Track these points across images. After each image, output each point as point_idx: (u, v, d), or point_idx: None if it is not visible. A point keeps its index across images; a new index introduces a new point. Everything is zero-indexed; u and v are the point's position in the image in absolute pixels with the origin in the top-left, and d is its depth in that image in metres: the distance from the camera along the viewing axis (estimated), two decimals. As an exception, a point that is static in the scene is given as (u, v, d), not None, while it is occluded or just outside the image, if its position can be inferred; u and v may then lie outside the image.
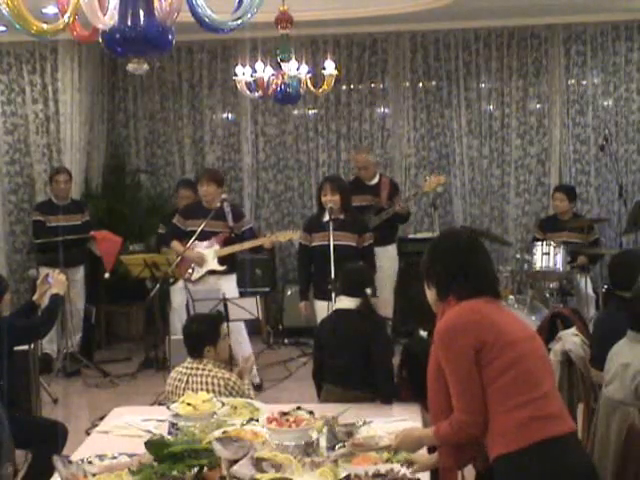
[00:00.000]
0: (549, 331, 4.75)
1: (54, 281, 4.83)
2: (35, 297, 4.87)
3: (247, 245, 7.05)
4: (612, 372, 3.73)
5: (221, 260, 7.02)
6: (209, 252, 7.02)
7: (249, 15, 2.71)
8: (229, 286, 6.99)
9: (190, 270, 7.06)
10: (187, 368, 4.36)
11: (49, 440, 4.49)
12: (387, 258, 7.61)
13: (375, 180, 7.80)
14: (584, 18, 8.61)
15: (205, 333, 4.45)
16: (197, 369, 4.31)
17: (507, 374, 2.78)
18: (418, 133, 9.16)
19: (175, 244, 7.06)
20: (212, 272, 7.04)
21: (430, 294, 3.03)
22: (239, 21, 2.71)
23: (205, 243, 7.00)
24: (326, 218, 6.49)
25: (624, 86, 8.85)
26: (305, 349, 8.10)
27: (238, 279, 7.30)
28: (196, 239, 6.87)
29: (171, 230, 7.21)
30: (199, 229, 6.82)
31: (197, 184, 7.29)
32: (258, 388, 6.91)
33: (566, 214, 7.77)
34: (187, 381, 4.29)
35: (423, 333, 6.41)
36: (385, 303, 7.30)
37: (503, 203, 9.10)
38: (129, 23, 2.57)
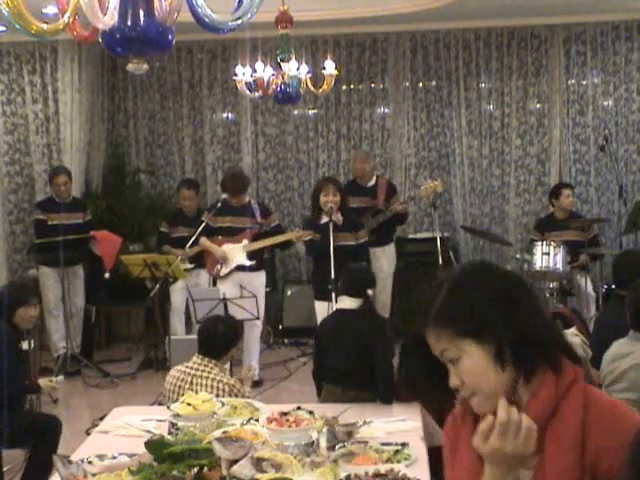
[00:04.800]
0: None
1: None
2: (42, 383, 4.96)
3: (276, 239, 7.07)
4: (617, 372, 3.70)
5: (250, 255, 7.04)
6: (238, 247, 7.03)
7: (249, 15, 2.71)
8: (258, 282, 7.00)
9: (219, 266, 7.06)
10: (191, 368, 4.31)
11: (46, 435, 4.52)
12: (385, 258, 7.62)
13: (372, 182, 7.80)
14: (584, 18, 8.60)
15: (233, 336, 4.44)
16: (203, 371, 4.28)
17: None
18: (418, 133, 9.15)
19: (204, 240, 7.06)
20: (241, 268, 7.03)
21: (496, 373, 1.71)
22: (239, 21, 2.71)
23: (234, 239, 7.03)
24: (324, 220, 6.48)
25: (624, 86, 8.84)
26: (305, 349, 8.10)
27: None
28: (226, 236, 6.98)
29: (201, 227, 7.08)
30: (203, 224, 6.93)
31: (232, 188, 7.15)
32: (257, 384, 6.93)
33: (568, 212, 7.81)
34: (191, 382, 4.26)
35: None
36: (383, 304, 7.31)
37: (503, 203, 9.09)
38: (129, 23, 2.57)
